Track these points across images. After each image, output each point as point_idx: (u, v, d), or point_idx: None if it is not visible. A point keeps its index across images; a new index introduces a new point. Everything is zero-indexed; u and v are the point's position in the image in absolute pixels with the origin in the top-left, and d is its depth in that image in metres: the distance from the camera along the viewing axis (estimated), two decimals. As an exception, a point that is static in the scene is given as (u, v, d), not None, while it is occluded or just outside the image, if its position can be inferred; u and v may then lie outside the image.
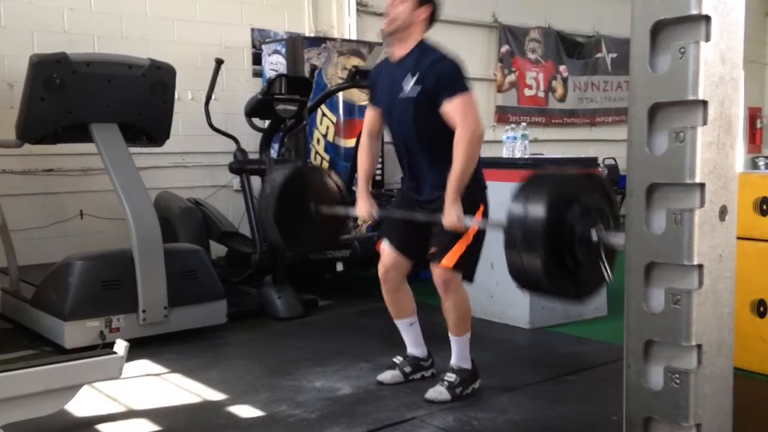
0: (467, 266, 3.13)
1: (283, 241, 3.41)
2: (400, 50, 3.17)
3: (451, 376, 3.22)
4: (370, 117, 3.39)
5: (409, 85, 3.09)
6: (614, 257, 2.16)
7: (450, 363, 3.26)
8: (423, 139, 3.13)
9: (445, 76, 3.03)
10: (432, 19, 3.19)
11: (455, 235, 3.05)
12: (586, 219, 2.09)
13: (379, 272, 3.36)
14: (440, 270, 3.09)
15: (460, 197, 2.99)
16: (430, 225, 3.13)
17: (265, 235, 3.69)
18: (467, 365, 3.26)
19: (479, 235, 3.10)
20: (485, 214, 3.15)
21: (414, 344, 3.49)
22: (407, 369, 3.47)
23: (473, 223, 2.99)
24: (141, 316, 4.02)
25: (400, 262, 3.32)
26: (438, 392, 3.19)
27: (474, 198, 3.10)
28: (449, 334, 3.24)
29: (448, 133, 3.02)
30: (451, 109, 3.00)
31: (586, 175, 2.30)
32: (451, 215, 2.97)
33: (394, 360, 3.51)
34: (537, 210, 2.08)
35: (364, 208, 3.34)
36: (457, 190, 2.98)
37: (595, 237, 2.07)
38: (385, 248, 3.33)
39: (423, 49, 3.13)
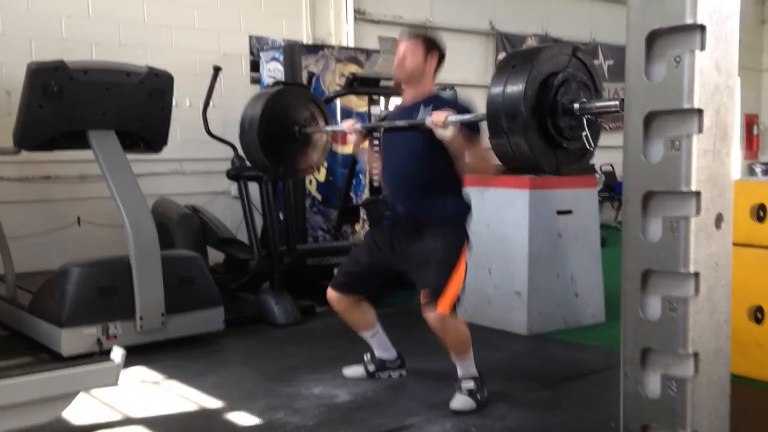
0: (459, 297, 3.15)
1: (267, 161, 3.43)
2: (412, 95, 3.29)
3: (468, 383, 3.22)
4: None
5: (420, 115, 3.17)
6: (597, 127, 2.18)
7: (459, 374, 3.26)
8: (425, 169, 3.17)
9: (458, 103, 3.19)
10: (440, 64, 3.31)
11: (445, 277, 3.08)
12: (566, 89, 2.11)
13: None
14: (437, 315, 3.06)
15: (448, 222, 3.15)
16: (408, 268, 3.23)
17: (249, 158, 3.69)
18: (475, 372, 3.27)
19: (465, 271, 3.17)
20: (468, 246, 3.23)
21: (380, 350, 3.62)
22: (371, 368, 3.62)
23: (455, 119, 2.97)
24: (138, 323, 4.02)
25: (350, 300, 3.44)
26: (464, 402, 3.18)
27: (460, 230, 3.21)
28: (452, 358, 3.24)
29: (449, 166, 3.11)
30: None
31: (565, 47, 2.29)
32: (440, 114, 2.97)
33: (364, 356, 3.63)
34: (516, 87, 2.10)
35: (350, 120, 3.45)
36: (458, 127, 2.98)
37: (577, 107, 2.09)
38: (333, 296, 3.45)
39: (435, 94, 3.29)
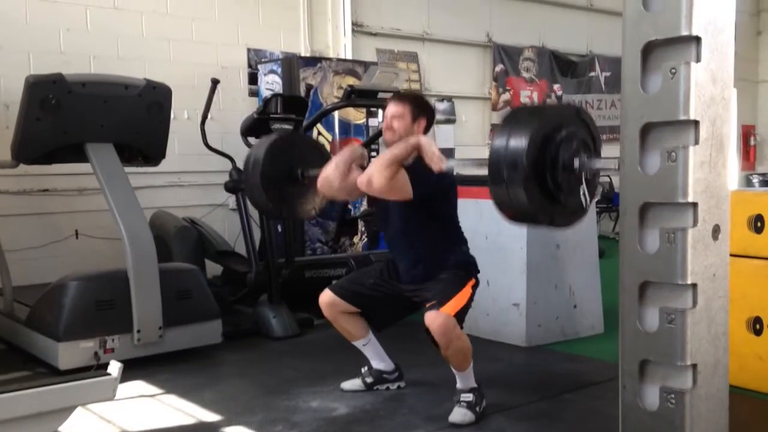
0: (462, 319, 3.17)
1: (269, 203, 3.45)
2: None
3: (467, 396, 3.20)
4: None
5: None
6: (595, 185, 2.25)
7: (458, 387, 3.24)
8: (419, 232, 3.26)
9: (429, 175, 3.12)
10: (428, 128, 3.31)
11: (450, 291, 3.12)
12: (568, 146, 2.16)
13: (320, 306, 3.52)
14: (442, 318, 3.03)
15: (442, 272, 3.22)
16: (413, 291, 3.29)
17: (252, 199, 3.72)
18: (474, 384, 3.26)
19: (473, 295, 3.23)
20: (475, 287, 3.27)
21: (375, 359, 3.61)
22: (369, 380, 3.61)
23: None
24: (136, 337, 4.00)
25: (344, 307, 3.46)
26: (462, 414, 3.16)
27: (467, 272, 3.27)
28: (452, 369, 3.23)
29: (442, 224, 3.26)
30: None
31: (569, 107, 2.36)
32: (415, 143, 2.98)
33: (361, 369, 3.62)
34: (520, 139, 2.13)
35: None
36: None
37: (577, 164, 2.13)
38: (327, 299, 3.47)
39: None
